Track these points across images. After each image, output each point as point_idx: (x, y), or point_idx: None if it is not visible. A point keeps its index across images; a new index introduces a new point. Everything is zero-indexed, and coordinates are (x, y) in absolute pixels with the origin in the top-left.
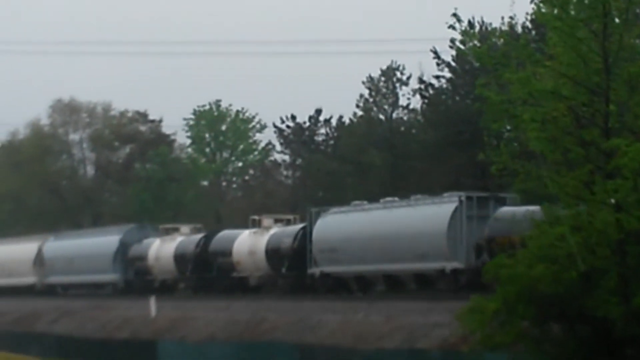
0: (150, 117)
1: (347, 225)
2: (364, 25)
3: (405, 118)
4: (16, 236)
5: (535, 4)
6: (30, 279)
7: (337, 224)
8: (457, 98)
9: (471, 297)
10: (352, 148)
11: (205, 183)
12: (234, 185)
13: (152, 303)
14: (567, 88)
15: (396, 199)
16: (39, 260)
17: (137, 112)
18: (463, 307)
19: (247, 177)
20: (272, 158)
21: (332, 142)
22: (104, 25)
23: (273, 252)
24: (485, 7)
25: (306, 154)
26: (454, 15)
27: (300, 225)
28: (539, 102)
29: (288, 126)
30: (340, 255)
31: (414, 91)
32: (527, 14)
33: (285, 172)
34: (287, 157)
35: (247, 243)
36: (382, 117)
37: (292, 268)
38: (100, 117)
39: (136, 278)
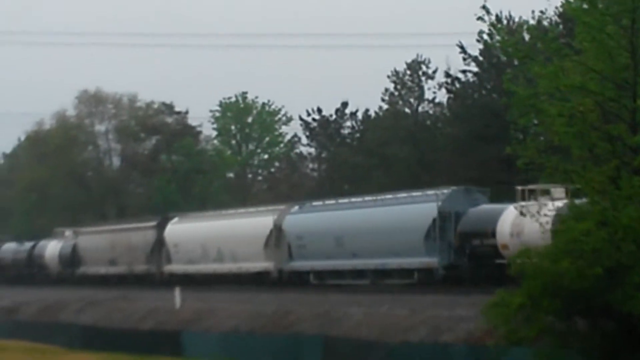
0: (177, 109)
1: None
2: (390, 18)
3: (431, 112)
4: (242, 208)
5: None
6: (261, 265)
7: None
8: (484, 92)
9: (496, 292)
10: (378, 141)
11: (230, 175)
12: (260, 178)
13: (177, 294)
14: (595, 83)
15: None
16: (276, 239)
17: (163, 104)
18: (488, 301)
19: (272, 170)
20: (297, 151)
21: (357, 135)
22: (131, 17)
23: None
24: (513, 1)
25: (332, 146)
26: (483, 7)
27: None
28: (566, 96)
29: (314, 119)
30: None
31: (440, 85)
32: (556, 8)
33: (310, 165)
34: (312, 150)
35: None
36: (407, 110)
37: None
38: (126, 109)
39: (472, 263)
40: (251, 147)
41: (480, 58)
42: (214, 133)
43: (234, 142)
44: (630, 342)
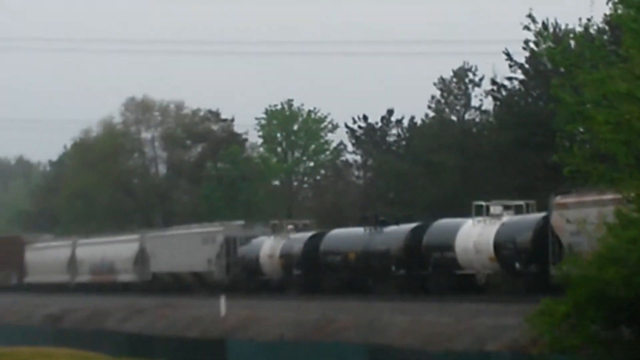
0: (223, 116)
1: None
2: (437, 26)
3: (477, 119)
4: None
5: (612, 5)
6: None
7: None
8: (530, 100)
9: (541, 300)
10: (424, 149)
11: (276, 182)
12: (305, 185)
13: (222, 302)
14: None
15: None
16: None
17: (210, 111)
18: (533, 309)
19: (318, 177)
20: (343, 158)
21: (403, 142)
22: (176, 24)
23: None
24: (558, 9)
25: (377, 154)
26: (529, 16)
27: None
28: (613, 104)
29: (360, 126)
30: None
31: (486, 92)
32: (605, 15)
33: (356, 173)
34: (358, 158)
35: None
36: (454, 118)
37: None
38: (173, 116)
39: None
40: (297, 154)
41: (527, 66)
42: (260, 140)
43: (279, 149)
44: None
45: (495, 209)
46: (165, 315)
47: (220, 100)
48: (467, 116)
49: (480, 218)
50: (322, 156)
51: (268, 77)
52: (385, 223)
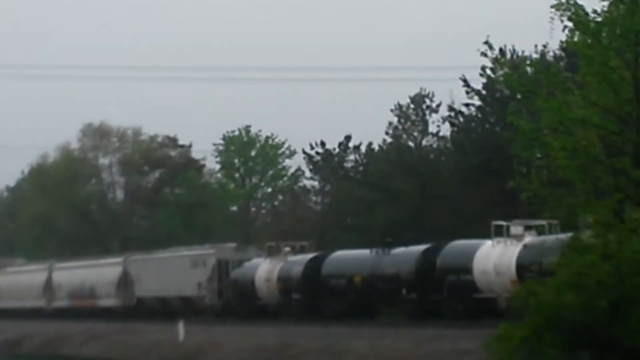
0: (180, 142)
1: None
2: (393, 52)
3: (434, 145)
4: None
5: (568, 32)
6: None
7: None
8: (487, 126)
9: (500, 325)
10: (381, 175)
11: (234, 208)
12: (263, 211)
13: (180, 327)
14: (598, 117)
15: None
16: None
17: (167, 137)
18: (491, 334)
19: (276, 203)
20: (301, 184)
21: (361, 168)
22: (134, 50)
23: None
24: (516, 35)
25: (335, 180)
26: (486, 42)
27: None
28: (570, 130)
29: (317, 152)
30: None
31: (444, 119)
32: (561, 41)
33: (314, 198)
34: (316, 183)
35: None
36: (411, 144)
37: None
38: (130, 142)
39: None
40: (254, 180)
41: (483, 92)
42: (218, 166)
43: (237, 175)
44: None
45: (516, 229)
46: (123, 340)
47: (178, 126)
48: (424, 142)
49: (500, 239)
50: (280, 182)
51: (226, 103)
52: (393, 245)
